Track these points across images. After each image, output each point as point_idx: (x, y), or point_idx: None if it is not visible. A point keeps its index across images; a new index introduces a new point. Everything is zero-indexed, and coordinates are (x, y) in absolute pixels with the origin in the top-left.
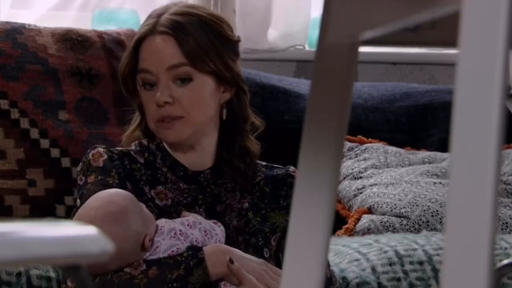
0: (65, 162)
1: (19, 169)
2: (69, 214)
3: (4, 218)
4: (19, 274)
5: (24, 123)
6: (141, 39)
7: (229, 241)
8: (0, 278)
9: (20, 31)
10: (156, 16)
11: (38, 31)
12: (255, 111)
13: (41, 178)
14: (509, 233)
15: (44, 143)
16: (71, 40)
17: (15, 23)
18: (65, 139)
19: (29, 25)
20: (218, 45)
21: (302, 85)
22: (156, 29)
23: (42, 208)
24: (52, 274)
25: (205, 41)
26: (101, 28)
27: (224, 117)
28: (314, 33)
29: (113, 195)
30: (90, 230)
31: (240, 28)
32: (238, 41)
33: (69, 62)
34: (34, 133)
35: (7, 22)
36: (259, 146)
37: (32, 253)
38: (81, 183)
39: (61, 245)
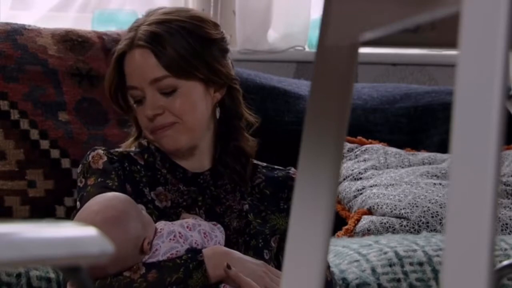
0: (65, 163)
1: (19, 170)
2: (69, 215)
3: (4, 219)
4: (19, 275)
5: (24, 124)
6: (122, 55)
7: (229, 242)
8: (0, 279)
9: (20, 32)
10: (135, 28)
11: (38, 32)
12: (249, 108)
13: (41, 179)
14: (509, 234)
15: (44, 144)
16: (71, 41)
17: (15, 24)
18: (65, 140)
19: (29, 26)
20: (201, 49)
21: (302, 86)
22: (134, 43)
23: (42, 209)
24: (52, 275)
25: (186, 48)
26: (101, 29)
27: (218, 117)
28: (314, 34)
29: (112, 199)
30: (90, 231)
31: (240, 29)
32: (223, 37)
33: (69, 63)
34: (34, 134)
35: (7, 23)
36: (255, 143)
37: (31, 254)
38: (81, 185)
39: (61, 246)
